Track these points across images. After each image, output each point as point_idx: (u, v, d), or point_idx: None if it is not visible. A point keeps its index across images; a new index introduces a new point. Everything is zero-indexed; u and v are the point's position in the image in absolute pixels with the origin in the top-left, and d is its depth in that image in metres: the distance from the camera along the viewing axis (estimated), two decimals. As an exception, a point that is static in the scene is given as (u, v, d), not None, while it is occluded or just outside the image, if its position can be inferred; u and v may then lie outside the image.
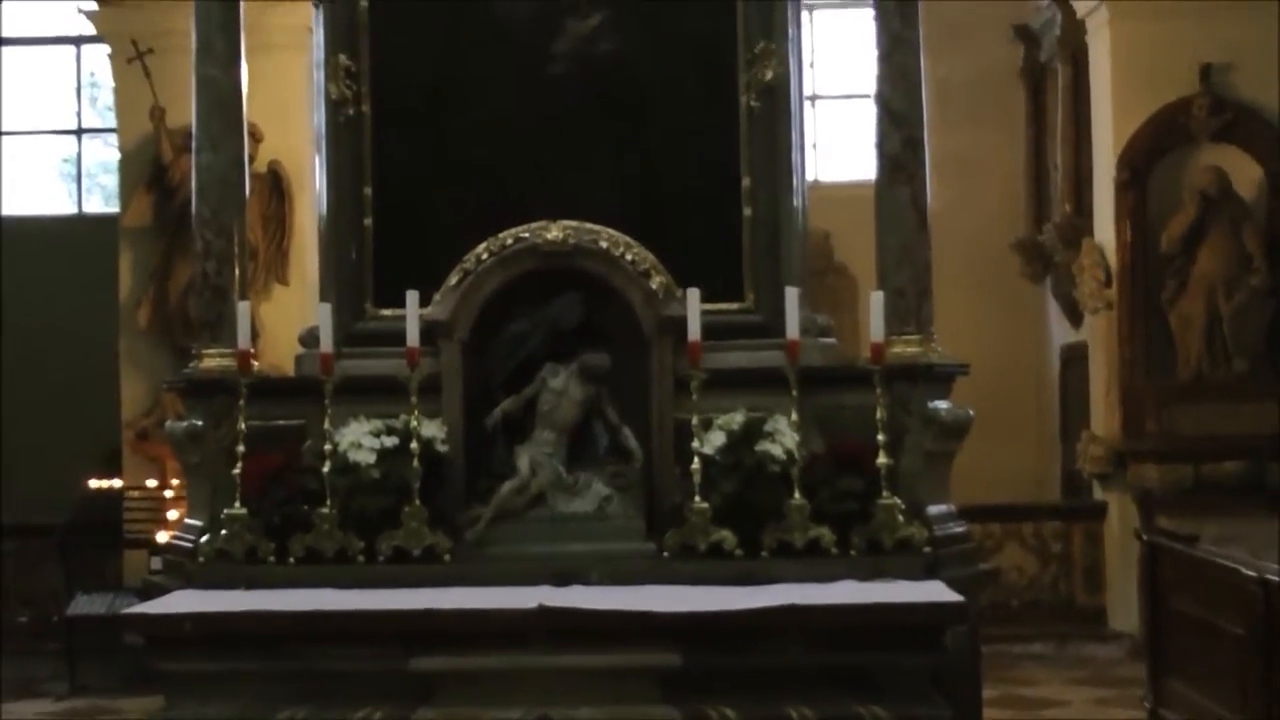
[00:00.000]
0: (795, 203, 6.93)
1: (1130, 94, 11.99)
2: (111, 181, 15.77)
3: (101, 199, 16.85)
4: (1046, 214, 13.92)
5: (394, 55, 7.00)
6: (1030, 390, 14.55)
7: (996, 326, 14.13)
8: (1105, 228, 12.30)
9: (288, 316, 11.58)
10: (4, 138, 16.75)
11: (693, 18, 6.94)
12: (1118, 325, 12.10)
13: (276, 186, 12.55)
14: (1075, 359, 13.42)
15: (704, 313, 6.33)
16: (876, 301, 6.45)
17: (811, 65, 14.96)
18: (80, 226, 16.32)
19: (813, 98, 15.00)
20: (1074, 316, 13.26)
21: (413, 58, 7.01)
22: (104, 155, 16.83)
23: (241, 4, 7.02)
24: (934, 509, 6.50)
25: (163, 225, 12.62)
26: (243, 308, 6.60)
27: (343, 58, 6.98)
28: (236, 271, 6.90)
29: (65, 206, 16.87)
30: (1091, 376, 12.67)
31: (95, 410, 13.57)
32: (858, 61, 14.61)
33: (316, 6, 7.13)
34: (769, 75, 6.86)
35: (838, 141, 15.32)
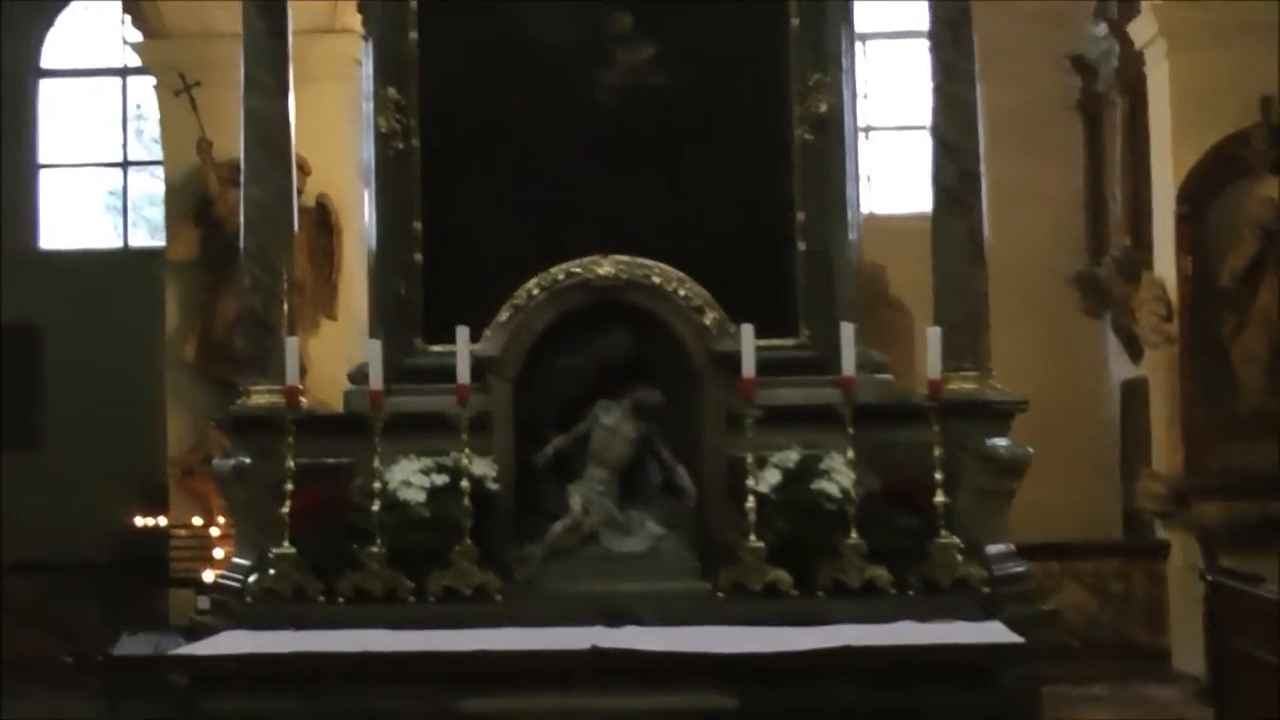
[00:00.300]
0: (849, 237, 6.94)
1: (1189, 126, 11.95)
2: (157, 214, 15.89)
3: (147, 232, 16.98)
4: (1105, 247, 13.87)
5: (443, 88, 7.05)
6: (1089, 426, 14.47)
7: (1055, 361, 14.06)
8: (1165, 261, 12.24)
9: (335, 352, 11.62)
10: (47, 170, 16.92)
11: (745, 49, 6.97)
12: (1178, 360, 12.03)
13: (324, 220, 12.64)
14: (1135, 394, 13.36)
15: (757, 348, 6.33)
16: (933, 337, 6.44)
17: (865, 96, 14.98)
18: (125, 260, 16.47)
19: (866, 129, 15.01)
20: (1133, 351, 13.20)
21: (462, 90, 7.06)
22: (150, 188, 16.97)
23: (289, 37, 7.09)
24: (992, 548, 6.48)
25: (209, 259, 12.72)
26: (290, 343, 6.64)
27: (391, 91, 7.03)
28: (284, 307, 6.96)
29: (110, 240, 17.01)
30: (1152, 412, 12.59)
31: (140, 446, 13.67)
32: (912, 92, 14.61)
33: (365, 39, 7.20)
34: (822, 108, 6.89)
35: (892, 173, 15.33)
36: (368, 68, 7.18)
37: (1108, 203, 13.84)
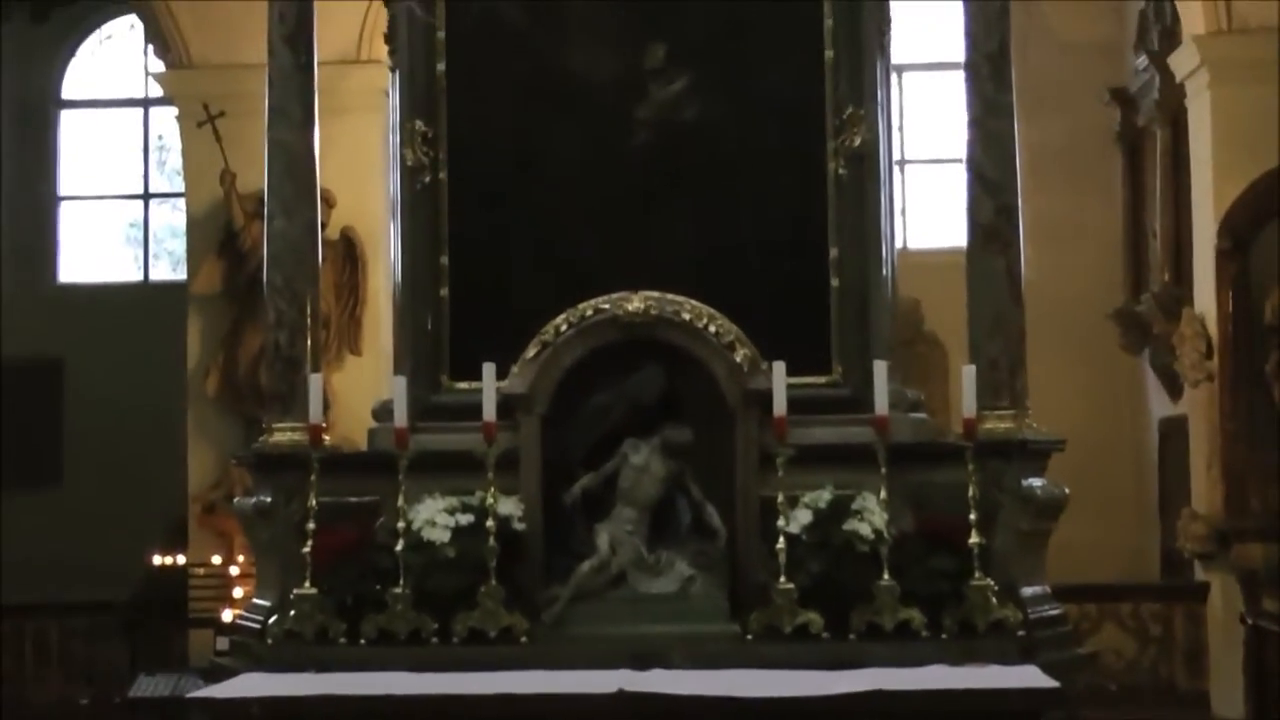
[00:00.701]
0: (884, 272, 6.97)
1: (1231, 159, 11.92)
2: (179, 247, 15.97)
3: (169, 265, 17.06)
4: (1145, 283, 13.84)
5: (472, 121, 7.11)
6: (1128, 465, 14.43)
7: (1093, 399, 14.03)
8: (1206, 297, 12.22)
9: (361, 387, 11.66)
10: (67, 203, 17.02)
11: (779, 83, 7.02)
12: (1219, 398, 11.99)
13: (350, 253, 12.68)
14: (1175, 433, 13.31)
15: (790, 386, 6.35)
16: (969, 375, 6.45)
17: (900, 129, 15.01)
18: (146, 294, 16.54)
19: (901, 162, 15.04)
20: (1173, 389, 13.16)
21: (491, 123, 7.11)
22: (172, 220, 17.06)
23: (316, 68, 7.15)
24: (1028, 590, 6.47)
25: (232, 292, 12.77)
26: (315, 380, 6.67)
27: (419, 123, 7.08)
28: (309, 342, 7.00)
29: (131, 273, 17.09)
30: (1192, 451, 12.55)
31: (161, 482, 13.70)
32: (948, 125, 14.62)
33: (392, 70, 7.25)
34: (858, 141, 6.92)
35: (927, 207, 15.33)
36: (395, 99, 7.23)
37: (1148, 237, 13.82)
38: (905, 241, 14.54)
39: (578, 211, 7.02)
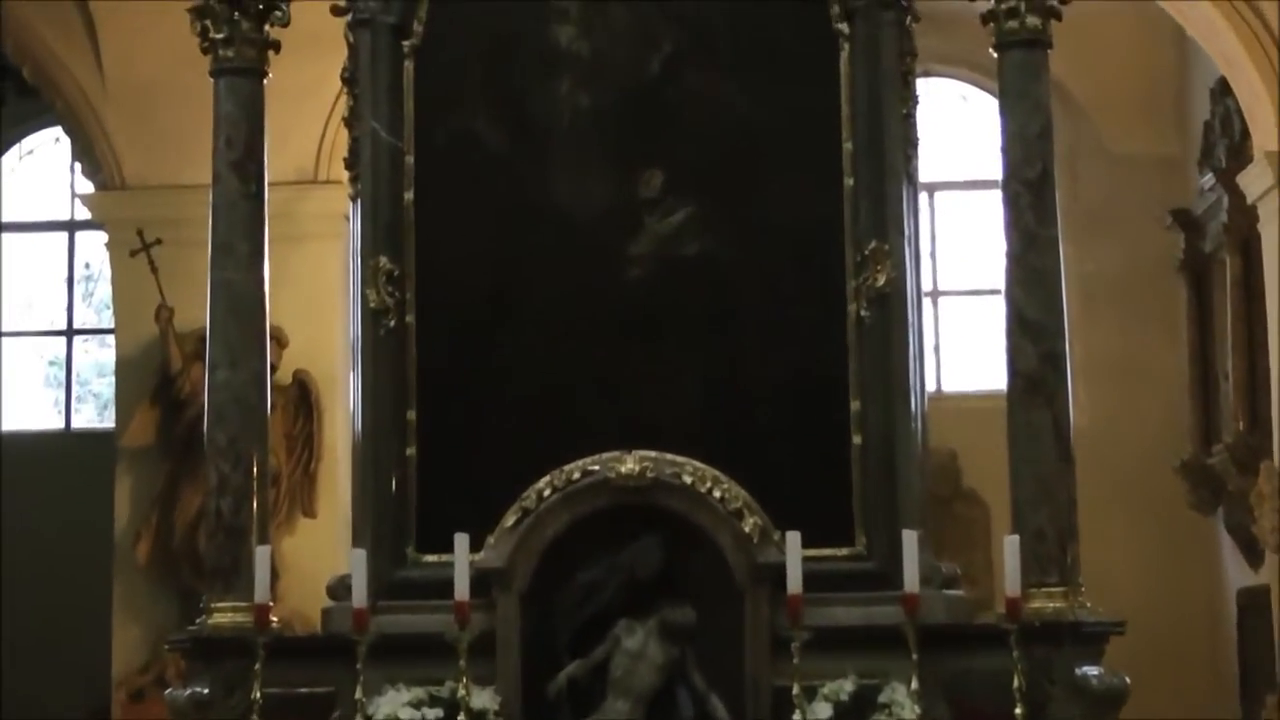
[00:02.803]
0: (913, 426, 7.03)
1: (1312, 289, 12.03)
2: (107, 390, 15.96)
3: (95, 410, 17.04)
4: (1216, 432, 13.86)
5: (444, 258, 7.23)
6: (1202, 643, 14.36)
7: (1159, 567, 13.99)
8: (1288, 448, 12.25)
9: (315, 555, 11.64)
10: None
11: (792, 214, 7.15)
12: (1306, 565, 12.00)
13: (304, 400, 12.71)
14: (1255, 605, 13.27)
15: (806, 559, 6.39)
16: (1011, 547, 6.48)
17: (931, 255, 15.09)
18: (69, 444, 16.41)
19: (934, 293, 15.10)
20: (1252, 555, 13.15)
21: (466, 261, 7.23)
22: (99, 358, 17.06)
23: (266, 192, 7.26)
24: (1083, 795, 6.47)
25: (168, 446, 12.76)
26: (261, 553, 6.71)
27: (384, 260, 7.18)
28: (255, 509, 7.03)
29: (51, 419, 17.04)
30: (1276, 626, 12.52)
31: (82, 664, 13.60)
32: (987, 250, 14.69)
33: (354, 199, 7.35)
34: (881, 280, 7.01)
35: (964, 342, 15.36)
36: (355, 229, 7.33)
37: (1218, 380, 13.86)
38: (939, 384, 14.59)
39: (564, 360, 7.11)
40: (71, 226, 16.98)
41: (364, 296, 7.20)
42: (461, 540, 6.43)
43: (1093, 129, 14.29)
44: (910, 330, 7.08)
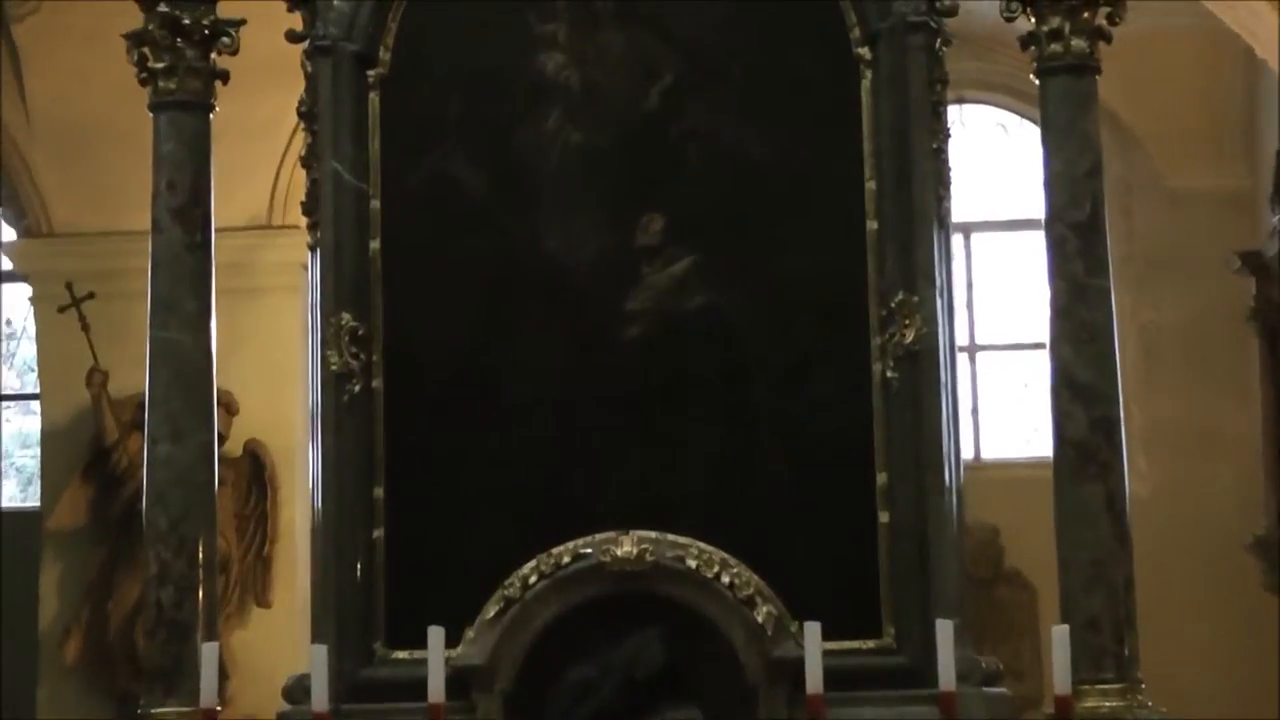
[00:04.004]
0: (948, 501, 7.04)
1: (1399, 343, 12.06)
2: (32, 464, 15.94)
3: (17, 486, 17.02)
4: (1293, 502, 13.86)
5: (416, 315, 7.27)
6: (1281, 744, 14.35)
7: (1229, 659, 13.95)
8: (1374, 523, 12.26)
9: (269, 652, 11.63)
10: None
11: (808, 262, 7.18)
12: (1397, 655, 12.00)
13: (256, 475, 12.72)
14: (1341, 700, 13.27)
15: (828, 653, 6.39)
16: (1060, 639, 6.48)
17: (968, 306, 15.09)
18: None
19: (970, 348, 15.10)
20: (1336, 642, 13.15)
21: (441, 318, 7.27)
22: (23, 427, 17.04)
23: (213, 241, 7.31)
24: None
25: (101, 528, 12.74)
26: (208, 651, 6.71)
27: (347, 317, 7.21)
28: (201, 602, 7.04)
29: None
30: (1362, 725, 12.52)
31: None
32: (1031, 298, 14.69)
33: (313, 249, 7.37)
34: (910, 336, 7.04)
35: (1006, 403, 15.36)
36: (315, 282, 7.36)
37: (1294, 444, 13.86)
38: (977, 451, 14.60)
39: (552, 429, 7.14)
40: (-9, 279, 16.99)
41: (325, 358, 7.22)
42: (436, 634, 6.44)
43: (1149, 162, 14.30)
44: (944, 391, 7.09)
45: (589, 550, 6.71)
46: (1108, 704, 6.64)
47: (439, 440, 7.19)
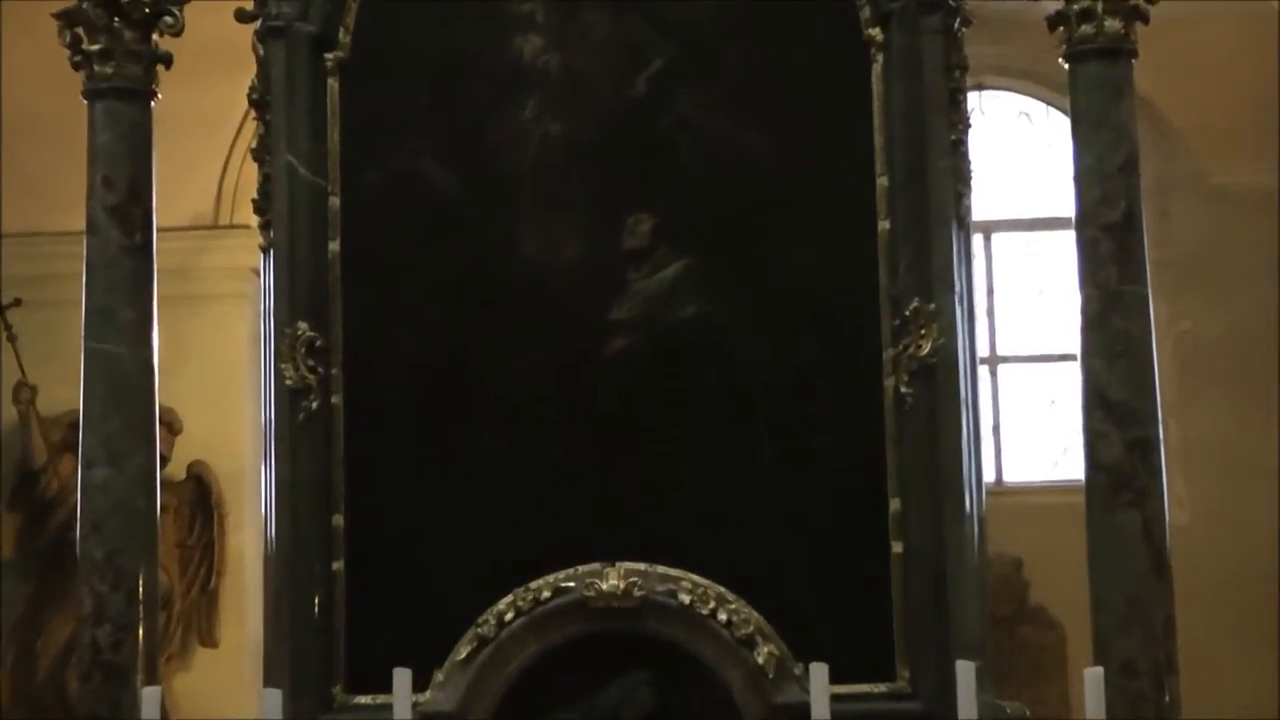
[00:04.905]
0: (968, 530, 7.05)
1: None
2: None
3: (-62, 515, 17.03)
4: (1353, 531, 13.87)
5: (379, 325, 7.28)
6: (1334, 797, 14.35)
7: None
8: None
9: (216, 697, 11.64)
10: None
11: (813, 267, 7.19)
12: None
13: (201, 501, 12.70)
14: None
15: (835, 698, 6.35)
16: (1094, 682, 6.47)
17: (989, 314, 15.08)
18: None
19: (991, 360, 15.10)
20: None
21: (407, 328, 7.27)
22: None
23: (155, 243, 7.30)
24: None
25: (29, 560, 12.73)
26: (149, 696, 6.67)
27: (303, 327, 7.22)
28: (141, 640, 7.03)
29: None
30: None
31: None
32: (1060, 305, 14.68)
33: (265, 251, 7.38)
34: (926, 348, 7.04)
35: (1031, 421, 15.34)
36: (269, 287, 7.36)
37: (1356, 467, 13.87)
38: (999, 474, 14.58)
39: (530, 452, 7.14)
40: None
41: (279, 372, 7.23)
42: (402, 677, 6.41)
43: (1190, 157, 14.26)
44: (963, 408, 7.11)
45: (571, 584, 6.71)
46: (1146, 754, 6.66)
47: (404, 463, 7.19)
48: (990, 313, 15.08)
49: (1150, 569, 6.81)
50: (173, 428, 11.86)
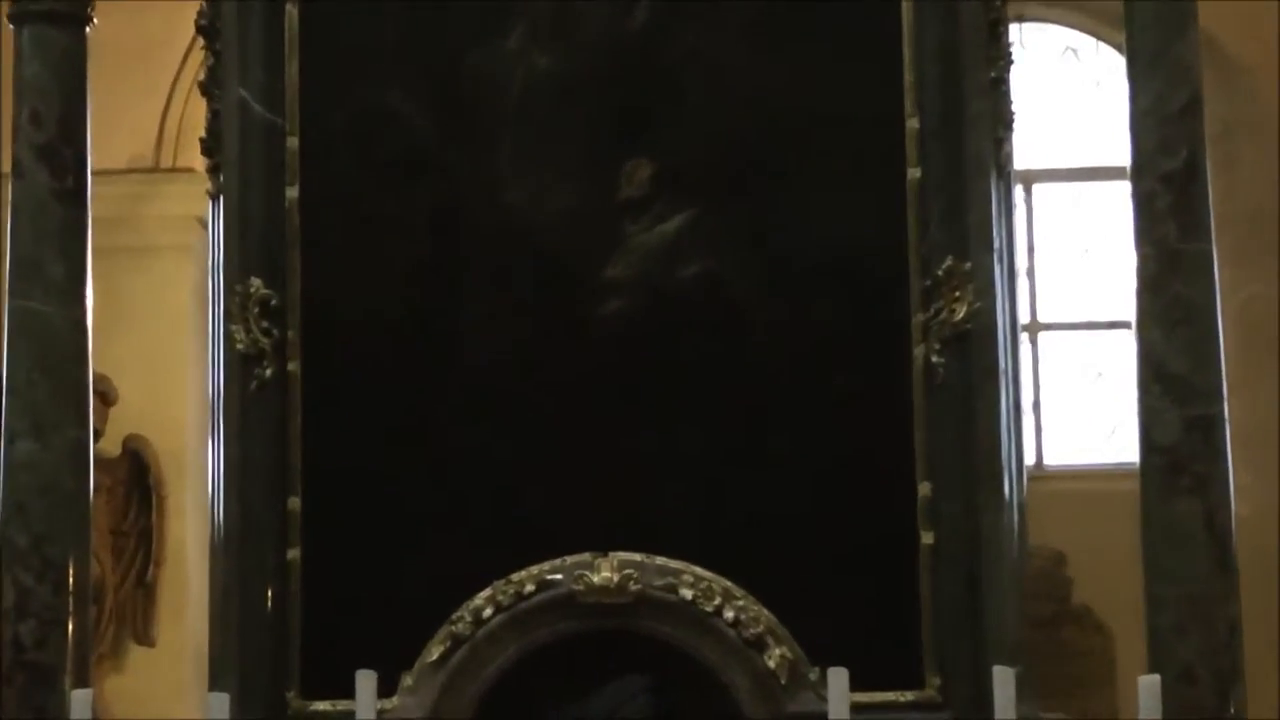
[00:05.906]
0: (1005, 520, 7.06)
1: None
2: None
3: None
4: None
5: (343, 283, 7.28)
6: None
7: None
8: None
9: (154, 700, 11.67)
10: None
11: (833, 221, 7.18)
12: None
13: (138, 481, 12.70)
14: None
15: (857, 707, 6.35)
16: (1148, 691, 6.47)
17: (1030, 275, 15.07)
18: None
19: (1032, 327, 15.09)
20: None
21: (374, 287, 7.28)
22: None
23: (89, 189, 7.30)
24: None
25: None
26: (79, 700, 6.67)
27: (256, 283, 7.22)
28: (70, 638, 7.04)
29: None
30: None
31: None
32: (1113, 266, 14.69)
33: (214, 197, 7.38)
34: (960, 312, 7.05)
35: (1075, 398, 15.34)
36: (217, 238, 7.36)
37: None
38: (1040, 457, 14.59)
39: (510, 426, 7.15)
40: None
41: (228, 335, 7.24)
42: (366, 680, 6.40)
43: (1258, 100, 14.26)
44: (1001, 381, 7.12)
45: (558, 576, 6.72)
46: (1205, 771, 6.67)
47: (369, 439, 7.19)
48: (1031, 274, 15.08)
49: (1212, 564, 6.81)
50: (107, 398, 11.84)
